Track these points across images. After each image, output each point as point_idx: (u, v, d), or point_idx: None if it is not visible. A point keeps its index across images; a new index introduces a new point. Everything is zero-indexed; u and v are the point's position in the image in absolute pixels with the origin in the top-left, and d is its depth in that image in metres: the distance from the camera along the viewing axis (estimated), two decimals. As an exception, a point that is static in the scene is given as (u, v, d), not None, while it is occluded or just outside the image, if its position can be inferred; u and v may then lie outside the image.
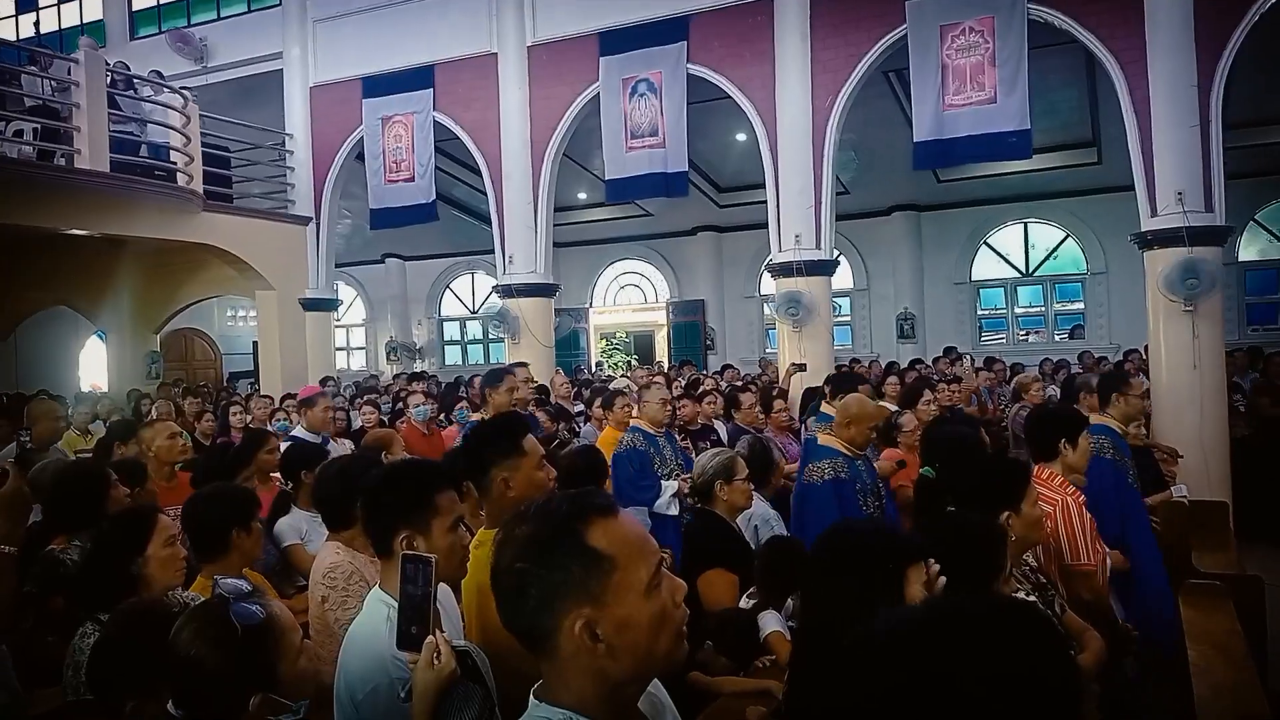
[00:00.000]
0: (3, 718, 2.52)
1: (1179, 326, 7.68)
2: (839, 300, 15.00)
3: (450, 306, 19.91)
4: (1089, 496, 3.40)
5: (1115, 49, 7.98)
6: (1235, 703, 2.61)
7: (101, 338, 14.26)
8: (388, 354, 18.91)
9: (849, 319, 16.04)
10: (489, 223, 11.00)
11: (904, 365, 11.49)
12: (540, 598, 1.23)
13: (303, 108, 12.10)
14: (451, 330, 20.02)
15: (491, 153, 10.78)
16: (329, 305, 12.62)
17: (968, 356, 12.11)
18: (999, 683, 0.90)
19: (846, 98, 8.99)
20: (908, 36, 8.61)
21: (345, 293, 18.91)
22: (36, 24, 15.20)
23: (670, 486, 5.36)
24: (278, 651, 1.89)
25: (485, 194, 11.01)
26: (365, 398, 8.88)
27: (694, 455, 5.12)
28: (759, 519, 4.19)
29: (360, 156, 11.71)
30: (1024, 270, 15.32)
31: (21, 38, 15.06)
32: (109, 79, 9.54)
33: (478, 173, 11.19)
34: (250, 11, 13.06)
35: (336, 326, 15.05)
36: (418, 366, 17.43)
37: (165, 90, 10.33)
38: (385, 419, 8.17)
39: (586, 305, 18.21)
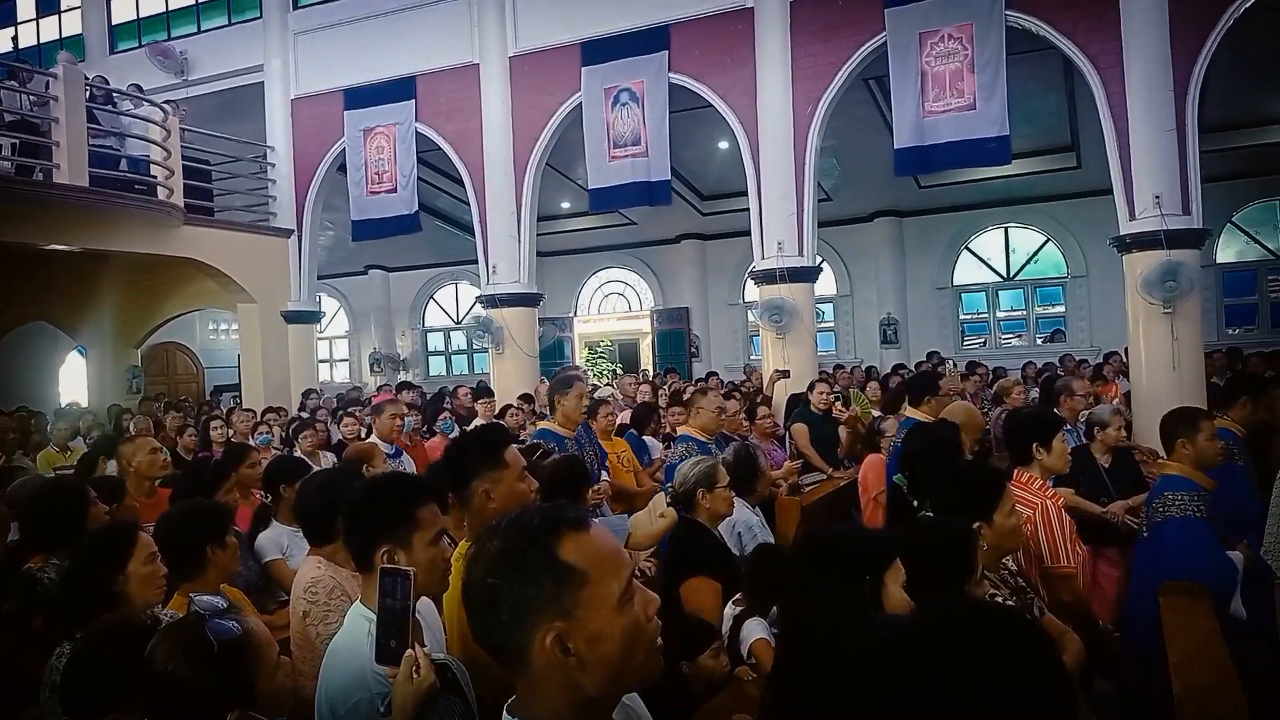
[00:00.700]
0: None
1: (1158, 328, 7.75)
2: (822, 306, 15.07)
3: (434, 317, 19.88)
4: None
5: (1092, 55, 8.06)
6: (1215, 703, 2.62)
7: (82, 353, 14.15)
8: (371, 366, 18.85)
9: (833, 325, 16.11)
10: (472, 233, 10.99)
11: (888, 370, 11.54)
12: (512, 612, 1.23)
13: (284, 120, 12.07)
14: (435, 341, 19.98)
15: (474, 163, 10.78)
16: (311, 317, 12.58)
17: (950, 361, 12.17)
18: (991, 687, 0.91)
19: (827, 105, 9.05)
20: (887, 44, 8.67)
21: (328, 305, 18.87)
22: (15, 39, 15.11)
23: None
24: (254, 667, 1.87)
25: (468, 204, 11.01)
26: (347, 410, 8.83)
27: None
28: (743, 526, 4.19)
29: (342, 168, 11.69)
30: (1005, 275, 15.43)
31: (-1, 53, 14.98)
32: (88, 93, 9.49)
33: (460, 183, 11.18)
34: (231, 24, 13.01)
35: (319, 339, 15.00)
36: (402, 378, 17.37)
37: (145, 104, 10.28)
38: (364, 431, 8.14)
39: (571, 314, 18.21)
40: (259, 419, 8.54)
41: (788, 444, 7.59)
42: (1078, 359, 11.74)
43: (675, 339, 16.89)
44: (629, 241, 17.09)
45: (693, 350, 16.73)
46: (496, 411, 8.55)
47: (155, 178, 10.18)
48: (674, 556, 3.75)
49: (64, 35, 14.75)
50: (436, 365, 19.86)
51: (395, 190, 11.11)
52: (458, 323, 19.45)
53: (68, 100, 8.91)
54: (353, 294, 19.79)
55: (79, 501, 3.48)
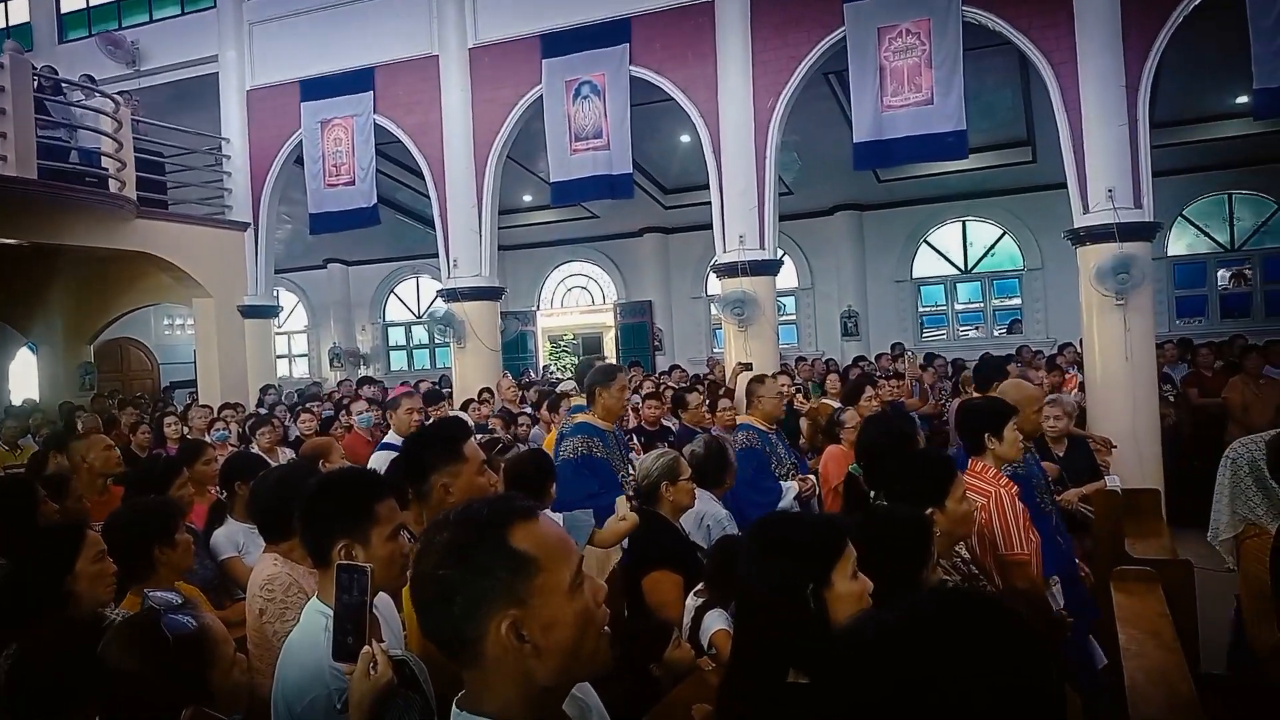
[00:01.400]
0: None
1: (1111, 320, 7.90)
2: (784, 299, 15.15)
3: (395, 311, 19.70)
4: None
5: (1046, 50, 8.18)
6: (1164, 684, 2.69)
7: (33, 350, 13.85)
8: (331, 361, 18.64)
9: (794, 318, 16.20)
10: (433, 226, 10.90)
11: (848, 363, 11.65)
12: (466, 603, 1.23)
13: (239, 111, 11.87)
14: (396, 335, 19.79)
15: (434, 156, 10.69)
16: (269, 312, 12.40)
17: (909, 352, 12.30)
18: (986, 683, 0.91)
19: (787, 99, 9.09)
20: (846, 38, 8.72)
21: (286, 299, 18.60)
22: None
23: (792, 489, 5.20)
24: (210, 663, 1.85)
25: (428, 197, 10.92)
26: (305, 406, 8.73)
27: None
28: (711, 519, 4.19)
29: (299, 160, 11.54)
30: (963, 268, 15.62)
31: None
32: (36, 83, 9.26)
33: (420, 176, 11.08)
34: (184, 14, 12.75)
35: (277, 334, 14.80)
36: (363, 372, 17.22)
37: (96, 95, 10.06)
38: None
39: (534, 308, 18.14)
40: (216, 415, 8.42)
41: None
42: (1034, 350, 11.93)
43: (639, 332, 16.89)
44: (591, 235, 17.05)
45: (656, 343, 16.74)
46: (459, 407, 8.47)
47: (107, 170, 9.97)
48: (636, 550, 3.76)
49: (10, 24, 14.38)
50: (398, 360, 19.68)
51: (353, 183, 10.98)
52: (419, 317, 19.29)
53: (14, 90, 8.67)
54: (311, 288, 19.53)
55: (26, 500, 3.42)
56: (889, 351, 12.66)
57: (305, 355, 20.20)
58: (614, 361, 7.77)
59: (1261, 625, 2.99)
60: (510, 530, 1.26)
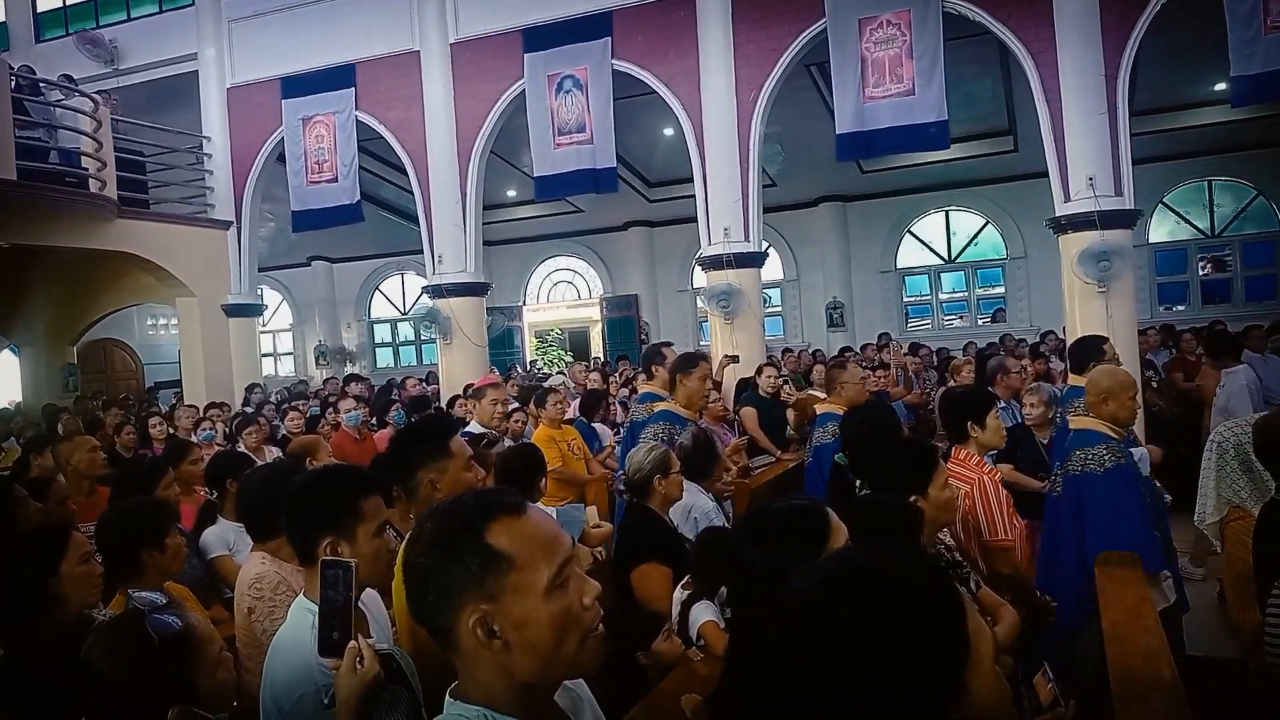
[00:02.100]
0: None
1: (1094, 307, 7.96)
2: (769, 291, 15.20)
3: (380, 308, 19.65)
4: None
5: (1026, 40, 8.22)
6: (1148, 667, 2.71)
7: (15, 351, 13.74)
8: (317, 359, 18.58)
9: (780, 309, 16.25)
10: (417, 222, 10.86)
11: (835, 353, 11.68)
12: (439, 593, 1.25)
13: (220, 109, 11.78)
14: (382, 332, 19.75)
15: (417, 152, 10.65)
16: (253, 311, 12.33)
17: (894, 342, 12.35)
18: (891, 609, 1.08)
19: (770, 91, 9.10)
20: (828, 30, 8.74)
21: (270, 297, 18.52)
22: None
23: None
24: (196, 662, 1.85)
25: (412, 193, 10.88)
26: (292, 404, 8.70)
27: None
28: (699, 512, 4.19)
29: (281, 158, 11.47)
30: (946, 257, 15.70)
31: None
32: (13, 83, 9.17)
33: (404, 172, 11.04)
34: (162, 11, 12.65)
35: (262, 332, 14.74)
36: (349, 370, 17.16)
37: (75, 94, 9.97)
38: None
39: (520, 303, 18.12)
40: (202, 415, 8.38)
41: (737, 428, 7.65)
42: (1017, 338, 12.00)
43: (625, 326, 16.91)
44: (577, 229, 17.05)
45: (643, 337, 16.75)
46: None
47: (87, 170, 9.89)
48: (625, 544, 3.77)
49: (-14, 24, 14.24)
50: (384, 357, 19.64)
51: (336, 180, 10.93)
52: (404, 313, 19.24)
53: (-9, 91, 8.61)
54: (296, 286, 19.46)
55: (5, 501, 3.40)
56: (874, 342, 12.71)
57: (291, 353, 20.13)
58: (695, 351, 7.48)
59: (1245, 607, 3.03)
60: (490, 525, 1.26)
